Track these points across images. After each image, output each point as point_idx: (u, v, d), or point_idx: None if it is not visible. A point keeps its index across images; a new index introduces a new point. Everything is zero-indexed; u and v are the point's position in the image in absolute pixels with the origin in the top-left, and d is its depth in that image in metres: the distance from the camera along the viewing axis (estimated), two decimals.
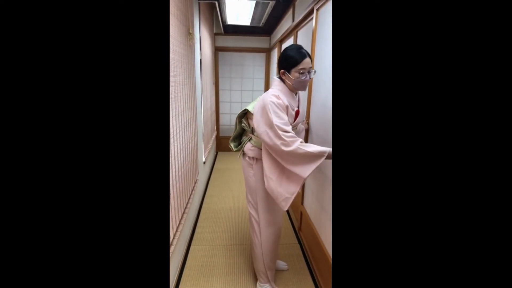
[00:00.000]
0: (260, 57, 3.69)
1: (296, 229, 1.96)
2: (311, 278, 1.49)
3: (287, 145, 1.00)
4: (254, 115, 1.12)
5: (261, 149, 1.17)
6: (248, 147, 1.26)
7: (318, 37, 1.51)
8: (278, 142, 1.01)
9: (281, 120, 1.03)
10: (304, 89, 1.15)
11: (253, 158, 1.24)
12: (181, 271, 1.50)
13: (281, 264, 1.54)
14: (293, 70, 1.08)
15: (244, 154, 1.30)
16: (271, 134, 1.03)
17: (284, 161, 1.05)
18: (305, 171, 1.02)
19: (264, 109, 1.06)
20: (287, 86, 1.14)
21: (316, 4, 1.52)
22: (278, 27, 2.96)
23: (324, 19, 1.41)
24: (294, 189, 1.07)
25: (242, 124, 1.30)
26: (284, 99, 1.09)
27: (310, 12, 1.65)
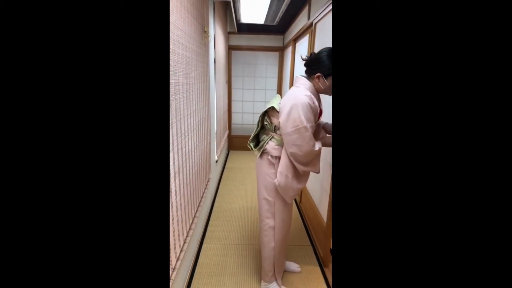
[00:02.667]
0: (274, 56, 3.67)
1: (297, 202, 2.36)
2: (324, 280, 1.46)
3: (315, 145, 1.11)
4: (281, 112, 1.10)
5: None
6: (271, 146, 1.21)
7: (317, 46, 1.79)
8: (311, 142, 1.08)
9: (310, 124, 1.07)
10: (331, 94, 1.16)
11: (276, 157, 1.20)
12: (194, 268, 1.50)
13: (294, 266, 1.52)
14: (330, 77, 1.08)
15: (264, 153, 1.25)
16: (300, 135, 1.06)
17: (303, 163, 1.13)
18: (318, 167, 1.19)
19: (295, 109, 1.05)
20: (315, 87, 1.13)
21: (315, 18, 1.83)
22: (293, 25, 2.92)
23: (322, 29, 1.71)
24: (302, 185, 1.23)
25: (265, 123, 1.25)
26: (315, 100, 1.10)
27: (310, 25, 1.95)
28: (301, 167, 1.14)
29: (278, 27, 3.24)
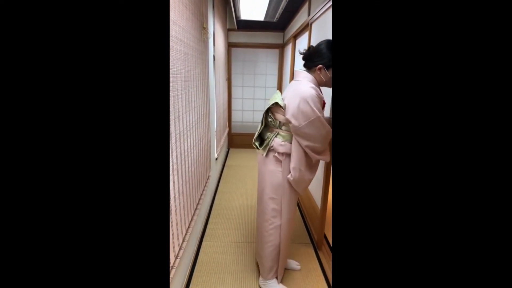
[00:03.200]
0: (273, 53, 3.65)
1: None
2: (324, 278, 1.46)
3: (330, 129, 1.12)
4: (288, 108, 1.09)
5: (291, 143, 1.16)
6: (277, 142, 1.18)
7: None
8: (326, 128, 1.09)
9: (321, 114, 1.08)
10: (331, 87, 1.16)
11: (283, 153, 1.17)
12: (193, 266, 1.50)
13: (294, 264, 1.51)
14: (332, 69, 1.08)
15: (270, 150, 1.21)
16: (315, 126, 1.07)
17: (319, 152, 1.15)
18: (329, 155, 1.19)
19: (304, 102, 1.05)
20: (316, 79, 1.13)
21: (311, 19, 1.91)
22: (293, 22, 2.90)
23: (318, 29, 1.78)
24: (313, 175, 1.22)
25: (269, 119, 1.22)
26: (319, 92, 1.10)
27: (306, 25, 2.05)
28: (316, 156, 1.14)
29: (278, 24, 3.22)
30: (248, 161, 3.40)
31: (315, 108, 1.05)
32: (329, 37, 1.51)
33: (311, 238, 1.81)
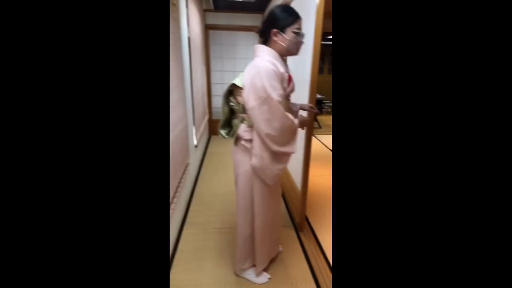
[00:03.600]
0: (254, 37, 3.53)
1: None
2: (305, 259, 1.48)
3: (289, 117, 0.99)
4: (244, 87, 0.98)
5: None
6: (243, 129, 1.08)
7: None
8: (280, 113, 0.96)
9: (277, 92, 0.95)
10: (297, 52, 1.03)
11: (249, 140, 1.08)
12: (173, 255, 1.47)
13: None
14: (288, 30, 0.96)
15: (238, 138, 1.12)
16: (268, 107, 0.94)
17: (280, 143, 1.02)
18: (293, 146, 1.06)
19: (257, 77, 0.93)
20: (276, 50, 1.01)
21: None
22: (272, 2, 2.79)
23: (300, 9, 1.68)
24: (283, 165, 1.10)
25: (231, 104, 1.12)
26: (279, 66, 0.98)
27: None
28: (277, 147, 1.02)
29: (256, 4, 3.10)
30: (230, 148, 3.34)
31: (267, 85, 0.92)
32: (310, 18, 1.44)
33: (292, 220, 1.83)
